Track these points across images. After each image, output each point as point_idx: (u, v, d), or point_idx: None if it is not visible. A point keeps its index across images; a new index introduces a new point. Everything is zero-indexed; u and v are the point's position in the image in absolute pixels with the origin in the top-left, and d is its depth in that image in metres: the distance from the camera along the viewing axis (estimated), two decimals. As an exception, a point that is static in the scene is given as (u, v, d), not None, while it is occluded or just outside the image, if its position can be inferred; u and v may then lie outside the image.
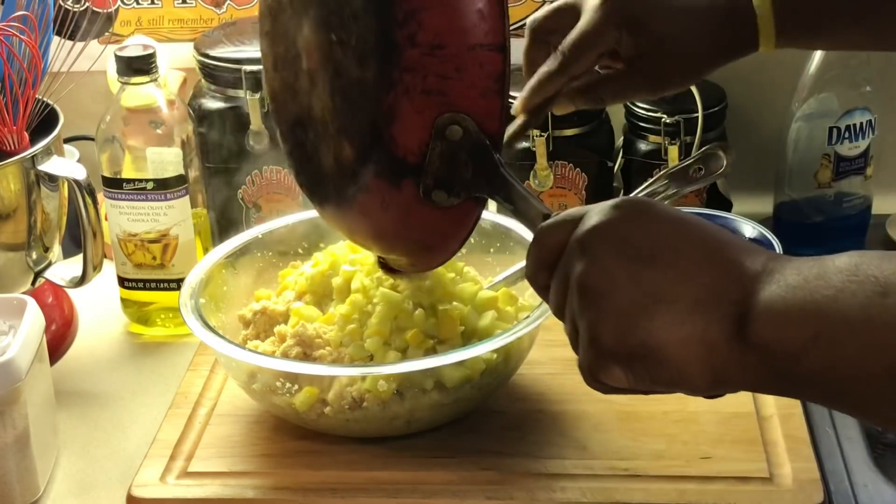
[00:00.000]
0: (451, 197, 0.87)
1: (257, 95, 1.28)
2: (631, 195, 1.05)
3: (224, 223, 1.35)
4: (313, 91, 0.91)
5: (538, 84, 0.97)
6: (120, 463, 1.07)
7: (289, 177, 1.32)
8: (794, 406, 1.06)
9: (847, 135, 1.31)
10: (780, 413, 1.05)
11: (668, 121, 1.30)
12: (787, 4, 0.94)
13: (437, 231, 0.91)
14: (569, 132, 1.31)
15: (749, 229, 1.27)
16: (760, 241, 1.25)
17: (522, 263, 1.07)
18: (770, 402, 1.07)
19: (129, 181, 1.21)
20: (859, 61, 1.29)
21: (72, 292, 1.21)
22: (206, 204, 1.29)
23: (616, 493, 0.98)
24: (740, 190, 1.37)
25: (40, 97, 1.16)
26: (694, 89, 1.31)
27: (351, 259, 1.10)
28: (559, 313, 0.75)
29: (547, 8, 0.99)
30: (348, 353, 1.04)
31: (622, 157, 1.38)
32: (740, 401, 1.06)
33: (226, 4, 1.44)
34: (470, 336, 1.05)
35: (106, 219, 1.23)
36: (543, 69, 0.96)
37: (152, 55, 1.20)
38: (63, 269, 1.19)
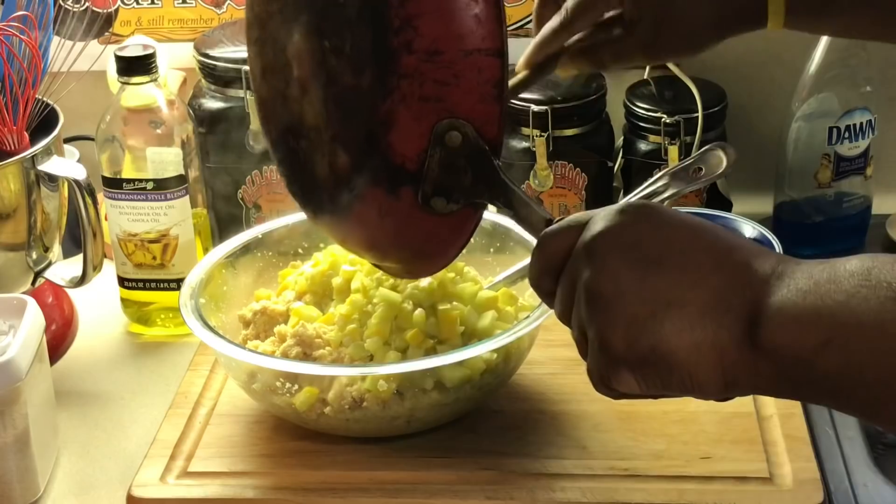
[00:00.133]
0: (450, 203, 0.86)
1: (257, 95, 1.28)
2: (631, 197, 1.05)
3: (224, 223, 1.35)
4: (305, 98, 0.90)
5: (542, 40, 0.96)
6: (120, 463, 1.07)
7: (289, 177, 1.32)
8: (794, 406, 1.06)
9: (847, 135, 1.31)
10: (780, 413, 1.05)
11: (668, 121, 1.31)
12: None
13: (435, 238, 0.90)
14: (569, 132, 1.31)
15: (749, 229, 1.27)
16: (760, 242, 1.25)
17: (522, 263, 1.08)
18: (770, 402, 1.07)
19: (129, 181, 1.21)
20: (859, 61, 1.29)
21: (72, 292, 1.21)
22: (206, 204, 1.29)
23: (616, 493, 0.98)
24: (740, 190, 1.37)
25: (40, 97, 1.16)
26: (694, 89, 1.31)
27: (351, 259, 1.10)
28: (565, 319, 0.75)
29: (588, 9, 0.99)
30: (348, 353, 1.04)
31: (622, 157, 1.38)
32: (740, 401, 1.05)
33: (226, 4, 1.44)
34: (470, 336, 1.05)
35: (106, 219, 1.23)
36: (548, 25, 0.96)
37: (152, 55, 1.20)
38: (63, 269, 1.19)
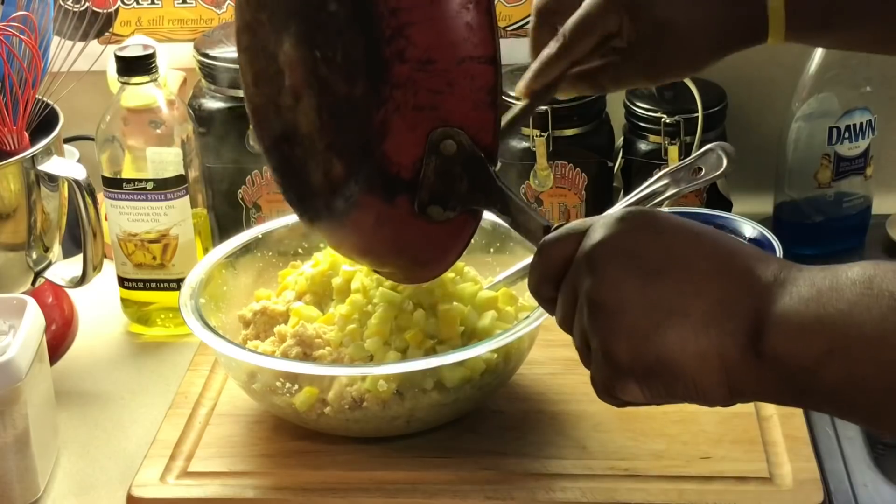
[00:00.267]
0: (446, 211, 0.85)
1: (257, 95, 1.28)
2: (631, 197, 1.05)
3: (224, 223, 1.35)
4: (298, 107, 0.89)
5: (541, 67, 0.95)
6: (120, 463, 1.07)
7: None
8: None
9: (847, 135, 1.32)
10: (780, 413, 1.05)
11: (668, 121, 1.31)
12: None
13: (433, 244, 0.89)
14: (569, 132, 1.31)
15: (749, 229, 1.27)
16: (760, 242, 1.25)
17: (522, 263, 1.08)
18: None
19: (129, 181, 1.21)
20: (859, 61, 1.29)
21: (72, 292, 1.21)
22: (206, 204, 1.29)
23: (616, 493, 0.98)
24: (740, 190, 1.37)
25: (40, 97, 1.16)
26: (694, 89, 1.31)
27: (351, 259, 1.10)
28: (565, 326, 0.75)
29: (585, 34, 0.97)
30: (348, 353, 1.04)
31: (622, 157, 1.38)
32: (740, 401, 1.06)
33: (226, 4, 1.44)
34: (470, 336, 1.05)
35: (106, 219, 1.23)
36: (545, 52, 0.95)
37: (152, 55, 1.20)
38: (63, 269, 1.19)
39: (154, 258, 1.23)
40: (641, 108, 1.33)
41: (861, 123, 1.31)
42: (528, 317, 1.03)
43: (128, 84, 1.20)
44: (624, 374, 0.70)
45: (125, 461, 1.07)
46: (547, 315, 1.00)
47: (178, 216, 1.22)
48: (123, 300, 1.27)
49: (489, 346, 1.00)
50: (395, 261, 0.94)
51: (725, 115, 1.34)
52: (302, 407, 1.02)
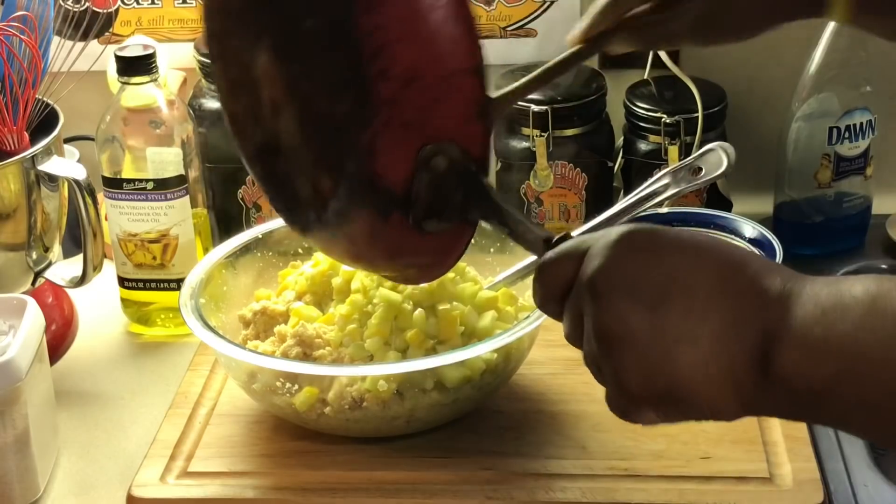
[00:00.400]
0: (442, 223, 0.83)
1: (257, 95, 1.28)
2: (631, 198, 1.05)
3: (224, 223, 1.35)
4: (279, 120, 0.85)
5: (595, 15, 0.93)
6: (120, 463, 1.07)
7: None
8: (794, 406, 1.06)
9: (847, 135, 1.31)
10: (780, 413, 1.05)
11: (668, 121, 1.31)
12: None
13: (430, 253, 0.87)
14: (569, 132, 1.31)
15: (749, 229, 1.27)
16: (760, 241, 1.25)
17: (522, 263, 1.08)
18: (770, 402, 1.07)
19: (129, 181, 1.21)
20: (859, 61, 1.29)
21: (72, 292, 1.21)
22: (206, 204, 1.29)
23: (616, 493, 0.98)
24: (740, 190, 1.37)
25: (40, 97, 1.16)
26: (694, 89, 1.31)
27: (351, 259, 1.10)
28: (573, 342, 0.74)
29: None
30: (348, 353, 1.04)
31: (622, 157, 1.38)
32: (740, 401, 1.07)
33: (226, 4, 1.44)
34: (470, 336, 1.05)
35: (106, 219, 1.23)
36: (600, 1, 0.93)
37: (152, 55, 1.20)
38: (63, 269, 1.19)
39: (154, 258, 1.24)
40: (641, 108, 1.33)
41: (861, 123, 1.31)
42: (528, 317, 1.03)
43: (128, 84, 1.20)
44: (638, 402, 0.70)
45: (125, 461, 1.07)
46: (547, 315, 1.00)
47: (178, 216, 1.22)
48: (123, 300, 1.27)
49: (489, 346, 1.01)
50: (391, 267, 0.93)
51: (725, 115, 1.34)
52: (302, 407, 1.02)
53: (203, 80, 1.34)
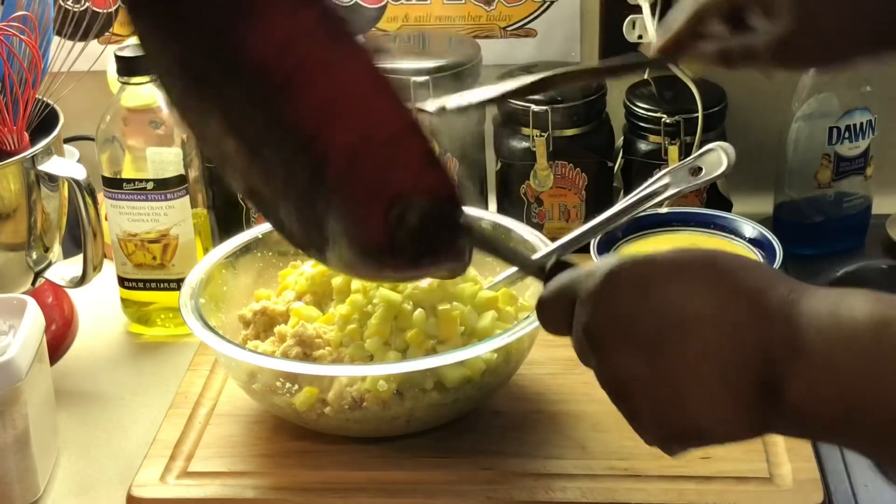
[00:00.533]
0: (436, 257, 0.82)
1: (257, 95, 1.28)
2: (631, 198, 1.05)
3: (224, 223, 1.35)
4: (253, 174, 0.85)
5: (675, 29, 0.91)
6: (120, 463, 1.07)
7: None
8: (793, 406, 1.06)
9: (847, 135, 1.31)
10: (779, 413, 1.05)
11: (668, 121, 1.30)
12: None
13: (438, 269, 0.86)
14: (569, 132, 1.31)
15: (749, 229, 1.27)
16: (760, 241, 1.25)
17: (522, 263, 1.07)
18: (770, 402, 1.07)
19: (129, 181, 1.21)
20: (859, 61, 1.29)
21: (72, 292, 1.21)
22: (206, 204, 1.29)
23: (616, 493, 0.98)
24: (740, 190, 1.37)
25: (40, 97, 1.16)
26: (694, 89, 1.31)
27: (351, 259, 1.10)
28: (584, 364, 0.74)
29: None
30: (348, 353, 1.04)
31: (622, 157, 1.38)
32: (740, 401, 1.06)
33: (226, 4, 1.44)
34: (470, 336, 1.05)
35: (106, 219, 1.23)
36: (682, 15, 0.91)
37: (152, 55, 1.19)
38: (63, 269, 1.19)
39: (154, 258, 1.24)
40: (641, 108, 1.33)
41: (861, 123, 1.31)
42: (528, 317, 1.03)
43: (128, 84, 1.20)
44: (658, 440, 0.70)
45: (125, 461, 1.07)
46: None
47: (178, 216, 1.22)
48: (123, 300, 1.27)
49: (489, 346, 1.00)
50: (405, 281, 0.94)
51: (725, 115, 1.34)
52: (302, 407, 1.02)
53: (203, 80, 1.34)
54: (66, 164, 1.14)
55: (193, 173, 1.24)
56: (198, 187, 1.25)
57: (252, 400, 1.08)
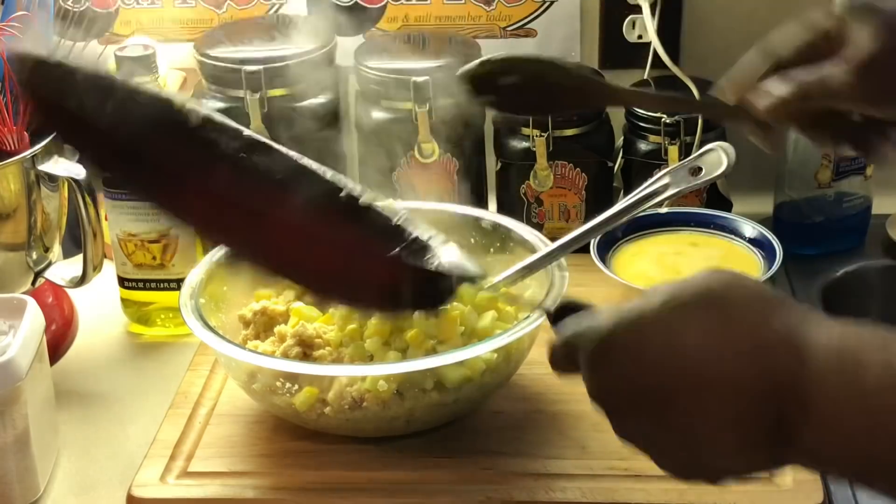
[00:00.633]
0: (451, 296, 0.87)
1: (257, 95, 1.28)
2: (631, 198, 1.05)
3: (224, 223, 1.35)
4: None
5: (751, 73, 0.88)
6: (120, 463, 1.07)
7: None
8: (794, 406, 1.06)
9: (847, 135, 1.31)
10: (780, 413, 1.05)
11: (668, 121, 1.30)
12: None
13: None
14: (569, 132, 1.31)
15: (749, 229, 1.27)
16: (760, 241, 1.25)
17: (522, 263, 1.08)
18: (770, 402, 1.07)
19: (129, 181, 1.21)
20: (859, 61, 1.29)
21: (72, 292, 1.21)
22: (206, 204, 1.29)
23: (616, 493, 0.98)
24: (740, 190, 1.37)
25: (40, 97, 1.16)
26: (694, 89, 1.31)
27: (351, 259, 1.10)
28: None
29: (794, 41, 0.88)
30: (348, 353, 1.04)
31: (622, 157, 1.38)
32: (740, 401, 1.06)
33: (226, 4, 1.44)
34: (470, 336, 1.05)
35: (106, 219, 1.23)
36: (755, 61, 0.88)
37: (152, 55, 1.20)
38: (63, 269, 1.19)
39: (154, 258, 1.23)
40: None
41: (861, 123, 1.31)
42: (528, 317, 1.03)
43: (128, 84, 1.20)
44: (690, 481, 0.71)
45: (125, 461, 1.07)
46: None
47: (178, 216, 1.22)
48: (123, 300, 1.27)
49: (489, 346, 1.00)
50: None
51: (725, 115, 1.34)
52: (302, 407, 1.02)
53: (203, 80, 1.34)
54: (66, 164, 1.14)
55: (193, 173, 1.23)
56: (198, 187, 1.25)
57: (252, 400, 1.08)
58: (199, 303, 1.07)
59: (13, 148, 1.12)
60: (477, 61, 0.93)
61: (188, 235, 1.23)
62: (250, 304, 1.12)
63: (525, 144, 1.32)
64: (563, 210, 1.34)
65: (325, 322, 1.07)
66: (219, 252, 1.15)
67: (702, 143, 1.28)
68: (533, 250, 1.11)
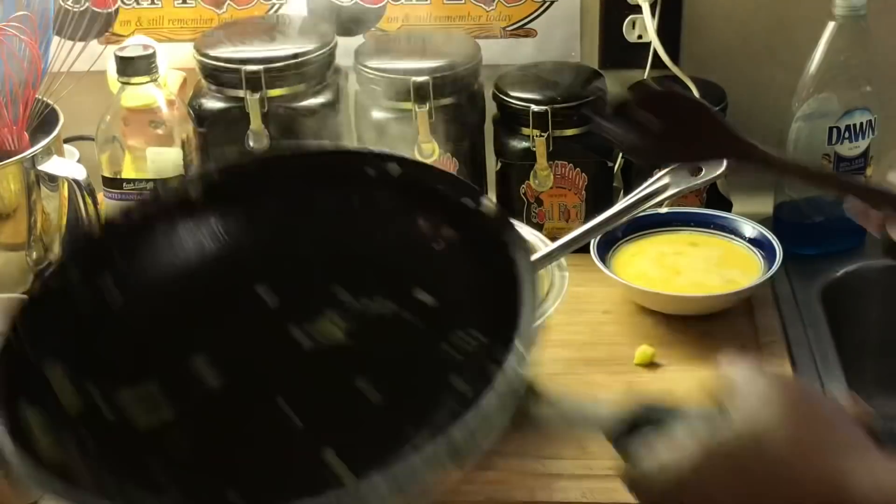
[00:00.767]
0: None
1: (257, 95, 1.28)
2: (631, 198, 1.05)
3: (224, 223, 1.35)
4: None
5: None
6: (120, 463, 1.07)
7: (289, 177, 1.32)
8: (794, 406, 1.06)
9: (847, 135, 1.31)
10: (780, 413, 1.05)
11: (668, 121, 1.30)
12: None
13: None
14: (569, 132, 1.31)
15: (749, 229, 1.27)
16: (760, 241, 1.25)
17: (522, 263, 1.07)
18: (770, 402, 1.07)
19: (129, 181, 1.21)
20: (859, 61, 1.29)
21: (72, 292, 1.21)
22: (206, 204, 1.29)
23: (616, 494, 0.98)
24: (740, 190, 1.37)
25: (40, 97, 1.16)
26: (694, 89, 1.31)
27: (351, 259, 1.10)
28: None
29: None
30: (348, 353, 1.04)
31: (622, 157, 1.37)
32: (740, 401, 1.06)
33: (226, 4, 1.44)
34: (470, 336, 1.05)
35: (106, 219, 1.23)
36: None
37: (152, 55, 1.20)
38: (63, 269, 1.19)
39: (154, 258, 1.23)
40: (641, 108, 1.33)
41: (861, 123, 1.31)
42: (528, 317, 1.03)
43: (128, 84, 1.20)
44: None
45: (125, 461, 1.07)
46: (547, 315, 1.00)
47: (178, 216, 1.22)
48: (123, 300, 1.27)
49: (489, 346, 1.00)
50: None
51: (725, 115, 1.34)
52: (302, 407, 1.01)
53: (203, 80, 1.34)
54: (66, 164, 1.14)
55: (193, 173, 1.24)
56: (198, 187, 1.25)
57: (252, 400, 1.08)
58: (199, 303, 1.07)
59: (13, 148, 1.12)
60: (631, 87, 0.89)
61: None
62: (250, 304, 1.12)
63: (525, 144, 1.32)
64: (563, 210, 1.34)
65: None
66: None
67: (702, 143, 1.28)
68: (533, 250, 1.11)
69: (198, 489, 0.66)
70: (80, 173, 1.13)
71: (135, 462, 0.67)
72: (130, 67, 1.19)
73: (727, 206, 1.34)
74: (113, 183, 1.21)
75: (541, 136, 1.30)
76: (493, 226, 0.71)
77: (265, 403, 0.69)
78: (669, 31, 1.39)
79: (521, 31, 1.43)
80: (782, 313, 1.22)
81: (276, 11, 1.43)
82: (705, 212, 1.30)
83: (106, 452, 0.67)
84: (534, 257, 1.08)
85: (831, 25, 1.27)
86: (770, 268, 1.21)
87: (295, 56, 1.31)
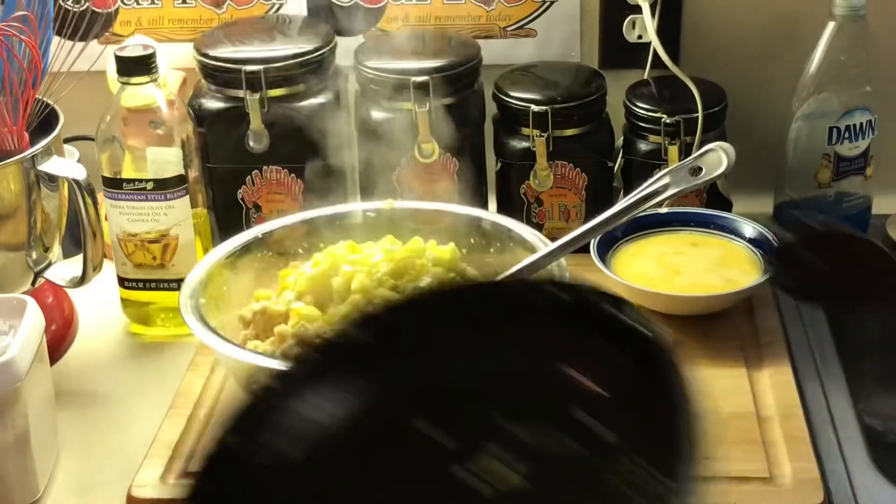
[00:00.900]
0: None
1: (257, 95, 1.28)
2: (631, 198, 1.05)
3: (224, 223, 1.35)
4: None
5: None
6: (120, 463, 1.07)
7: (289, 177, 1.32)
8: (793, 406, 1.06)
9: (847, 135, 1.32)
10: (779, 413, 1.05)
11: (668, 121, 1.30)
12: None
13: None
14: (569, 132, 1.31)
15: (749, 229, 1.27)
16: (760, 241, 1.25)
17: (523, 263, 1.07)
18: (770, 403, 1.07)
19: (129, 181, 1.21)
20: (859, 61, 1.29)
21: (72, 292, 1.21)
22: (206, 204, 1.29)
23: (616, 494, 0.98)
24: (740, 190, 1.37)
25: (40, 97, 1.16)
26: (694, 89, 1.31)
27: (351, 259, 1.10)
28: None
29: None
30: (348, 353, 1.04)
31: (622, 157, 1.38)
32: (740, 401, 1.06)
33: (226, 4, 1.44)
34: (470, 336, 1.05)
35: (106, 219, 1.23)
36: None
37: (152, 55, 1.20)
38: (63, 269, 1.19)
39: (154, 258, 1.23)
40: (641, 108, 1.33)
41: (861, 123, 1.31)
42: (528, 317, 1.03)
43: (128, 84, 1.20)
44: None
45: (125, 461, 1.07)
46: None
47: (178, 216, 1.22)
48: (123, 300, 1.27)
49: (489, 346, 1.00)
50: None
51: (725, 115, 1.34)
52: (302, 407, 1.01)
53: (203, 80, 1.34)
54: (66, 164, 1.14)
55: (193, 173, 1.24)
56: (198, 187, 1.25)
57: (252, 400, 1.08)
58: (199, 303, 1.07)
59: (13, 148, 1.12)
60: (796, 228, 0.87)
61: (188, 235, 1.23)
62: (250, 304, 1.12)
63: (525, 144, 1.32)
64: (563, 210, 1.34)
65: (326, 322, 1.07)
66: (219, 252, 1.15)
67: (702, 143, 1.28)
68: (533, 250, 1.11)
69: None
70: (80, 173, 1.13)
71: None
72: (130, 67, 1.19)
73: (727, 206, 1.34)
74: (113, 183, 1.21)
75: (541, 136, 1.30)
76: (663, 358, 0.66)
77: None
78: (669, 31, 1.39)
79: (521, 31, 1.43)
80: (782, 313, 1.22)
81: (276, 11, 1.43)
82: (705, 212, 1.30)
83: None
84: (534, 257, 1.08)
85: (831, 25, 1.27)
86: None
87: (295, 56, 1.31)
